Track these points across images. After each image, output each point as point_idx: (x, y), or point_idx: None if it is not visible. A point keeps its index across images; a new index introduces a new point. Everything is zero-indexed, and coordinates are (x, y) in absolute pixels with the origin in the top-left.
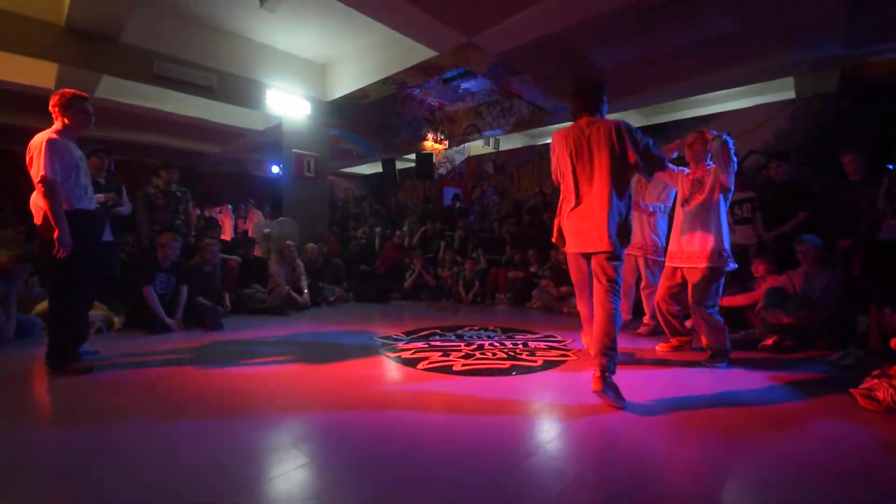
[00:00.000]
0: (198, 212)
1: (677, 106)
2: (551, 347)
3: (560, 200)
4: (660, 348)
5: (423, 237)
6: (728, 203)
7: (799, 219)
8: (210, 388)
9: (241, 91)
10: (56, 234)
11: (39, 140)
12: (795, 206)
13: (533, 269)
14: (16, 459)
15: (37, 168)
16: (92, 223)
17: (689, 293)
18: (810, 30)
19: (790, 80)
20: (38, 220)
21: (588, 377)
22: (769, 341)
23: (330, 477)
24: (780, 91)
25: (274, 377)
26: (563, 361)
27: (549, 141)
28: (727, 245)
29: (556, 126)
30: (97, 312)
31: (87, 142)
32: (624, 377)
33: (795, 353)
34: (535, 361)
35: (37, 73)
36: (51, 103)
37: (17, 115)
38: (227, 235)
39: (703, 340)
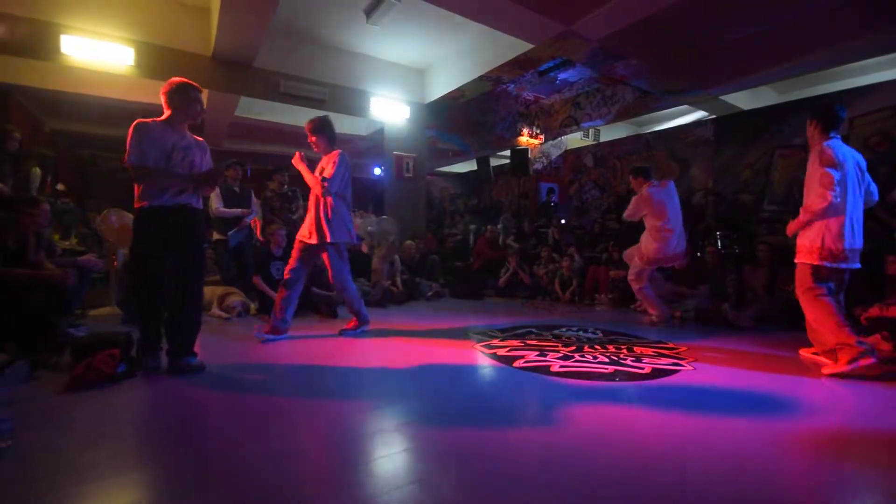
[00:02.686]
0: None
1: (824, 77)
2: (661, 355)
3: None
4: None
5: (519, 235)
6: None
7: None
8: (321, 370)
9: (348, 101)
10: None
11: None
12: None
13: None
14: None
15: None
16: (172, 220)
17: None
18: None
19: None
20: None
21: (706, 389)
22: None
23: (430, 464)
24: None
25: (377, 364)
26: (677, 371)
27: (657, 128)
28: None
29: (667, 111)
30: (237, 298)
31: (225, 155)
32: (755, 387)
33: None
34: (643, 368)
35: None
36: (160, 91)
37: None
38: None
39: None
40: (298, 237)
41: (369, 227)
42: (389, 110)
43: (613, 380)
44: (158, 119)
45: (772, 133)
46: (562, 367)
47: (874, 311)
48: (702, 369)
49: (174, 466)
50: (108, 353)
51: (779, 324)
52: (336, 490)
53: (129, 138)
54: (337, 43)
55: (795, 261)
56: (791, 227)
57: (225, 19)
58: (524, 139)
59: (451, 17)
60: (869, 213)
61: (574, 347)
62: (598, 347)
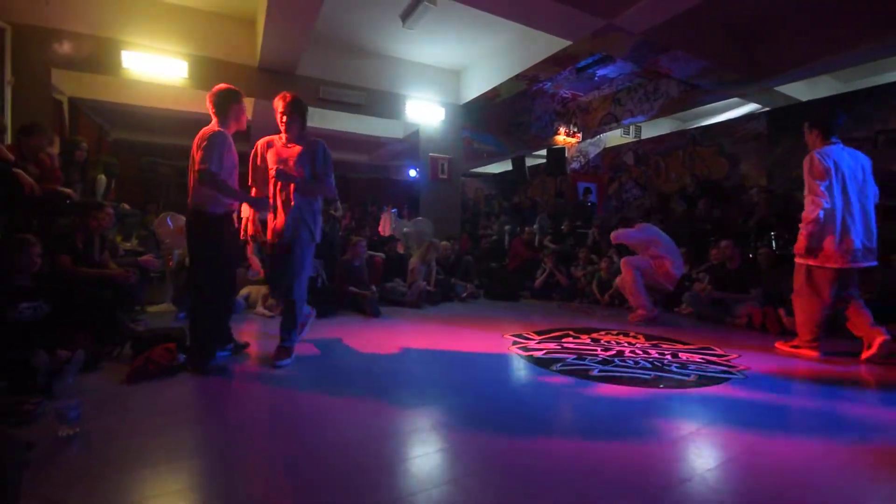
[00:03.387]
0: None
1: (889, 64)
2: (709, 362)
3: None
4: None
5: (556, 235)
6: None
7: None
8: (361, 368)
9: (385, 104)
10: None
11: (209, 131)
12: None
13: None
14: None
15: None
16: (217, 228)
17: None
18: None
19: None
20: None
21: (756, 400)
22: None
23: (465, 464)
24: None
25: (414, 364)
26: (726, 380)
27: (702, 123)
28: None
29: (714, 105)
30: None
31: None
32: (811, 399)
33: None
34: (688, 376)
35: None
36: (209, 101)
37: None
38: (386, 232)
39: None
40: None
41: (405, 229)
42: (425, 112)
43: (657, 386)
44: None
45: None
46: (601, 371)
47: None
48: (753, 379)
49: (221, 456)
50: (165, 346)
51: (837, 330)
52: (373, 486)
53: (207, 145)
54: (373, 48)
55: (797, 261)
56: (799, 244)
57: (269, 30)
58: (561, 138)
59: (485, 17)
60: None
61: (614, 352)
62: (640, 352)
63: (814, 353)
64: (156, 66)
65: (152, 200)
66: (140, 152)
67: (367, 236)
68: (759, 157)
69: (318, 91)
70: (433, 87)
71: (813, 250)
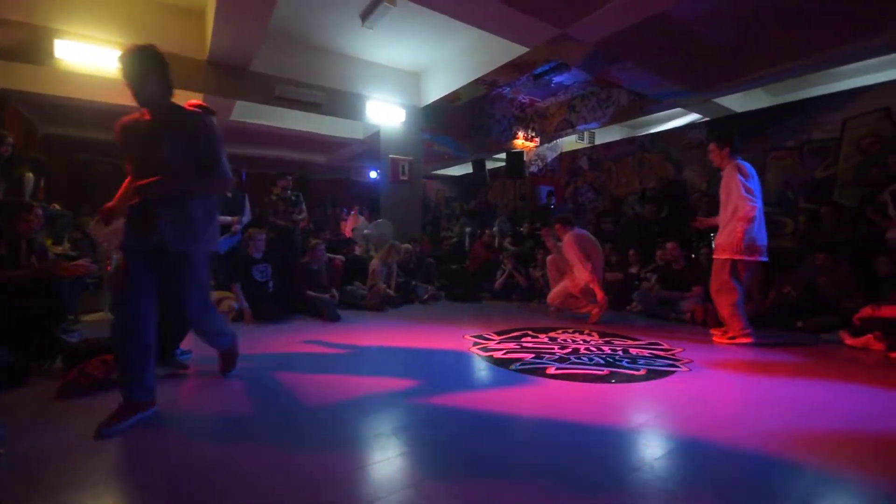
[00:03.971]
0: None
1: (815, 80)
2: (657, 356)
3: None
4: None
5: (515, 237)
6: None
7: None
8: (318, 374)
9: (344, 104)
10: None
11: None
12: None
13: (633, 270)
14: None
15: None
16: None
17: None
18: None
19: None
20: None
21: (701, 391)
22: None
23: (429, 468)
24: None
25: (374, 368)
26: (672, 372)
27: (651, 130)
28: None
29: (661, 114)
30: (233, 302)
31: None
32: (749, 389)
33: None
34: (638, 371)
35: (186, 102)
36: None
37: None
38: (348, 234)
39: None
40: None
41: (365, 231)
42: (385, 113)
43: (610, 381)
44: None
45: (765, 135)
46: (558, 369)
47: (866, 311)
48: (697, 371)
49: (164, 473)
50: (101, 358)
51: (772, 323)
52: (332, 494)
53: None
54: (332, 46)
55: (715, 257)
56: (734, 242)
57: (220, 23)
58: (519, 142)
59: (446, 21)
60: (858, 213)
61: (570, 349)
62: (594, 349)
63: (748, 340)
64: (92, 57)
65: (86, 200)
66: (74, 148)
67: (327, 238)
68: (700, 165)
69: (273, 89)
70: (393, 88)
71: (746, 246)
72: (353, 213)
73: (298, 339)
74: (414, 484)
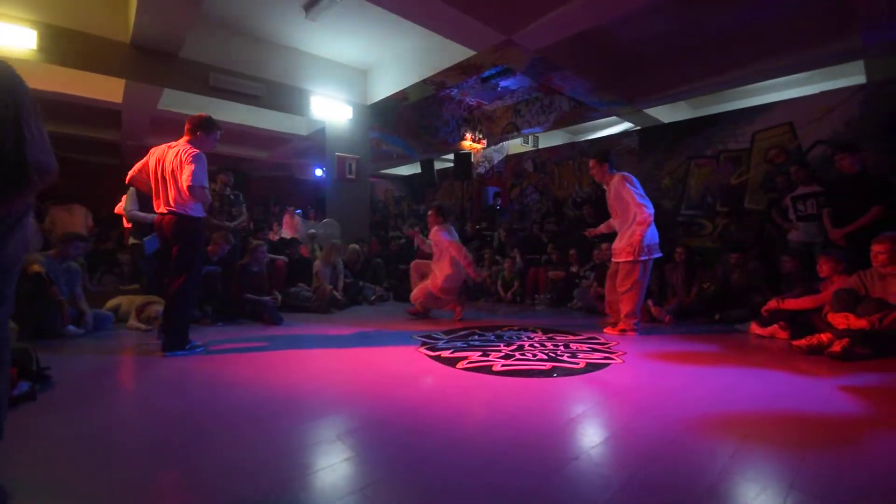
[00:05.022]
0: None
1: (731, 96)
2: (594, 350)
3: None
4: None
5: (462, 237)
6: None
7: (871, 214)
8: (259, 381)
9: (287, 98)
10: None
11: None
12: (868, 200)
13: (574, 269)
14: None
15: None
16: (200, 230)
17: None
18: (881, 10)
19: (859, 65)
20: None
21: (634, 380)
22: (836, 347)
23: (374, 471)
24: (849, 76)
25: (317, 373)
26: (608, 364)
27: (590, 137)
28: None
29: (598, 121)
30: (160, 307)
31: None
32: (676, 377)
33: (868, 361)
34: (578, 364)
35: (106, 88)
36: (190, 125)
37: (88, 128)
38: (291, 234)
39: None
40: None
41: (311, 230)
42: (331, 110)
43: (552, 375)
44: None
45: (687, 144)
46: (503, 366)
47: (771, 304)
48: (630, 362)
49: (87, 488)
50: None
51: (694, 316)
52: None
53: (200, 164)
54: (274, 37)
55: (618, 260)
56: (634, 246)
57: (146, 3)
58: (467, 143)
59: (394, 19)
60: (765, 217)
61: (515, 346)
62: (538, 345)
63: (634, 333)
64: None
65: None
66: None
67: (268, 239)
68: (633, 169)
69: (207, 78)
70: (340, 84)
71: (646, 247)
72: (287, 213)
73: (235, 343)
74: (358, 489)
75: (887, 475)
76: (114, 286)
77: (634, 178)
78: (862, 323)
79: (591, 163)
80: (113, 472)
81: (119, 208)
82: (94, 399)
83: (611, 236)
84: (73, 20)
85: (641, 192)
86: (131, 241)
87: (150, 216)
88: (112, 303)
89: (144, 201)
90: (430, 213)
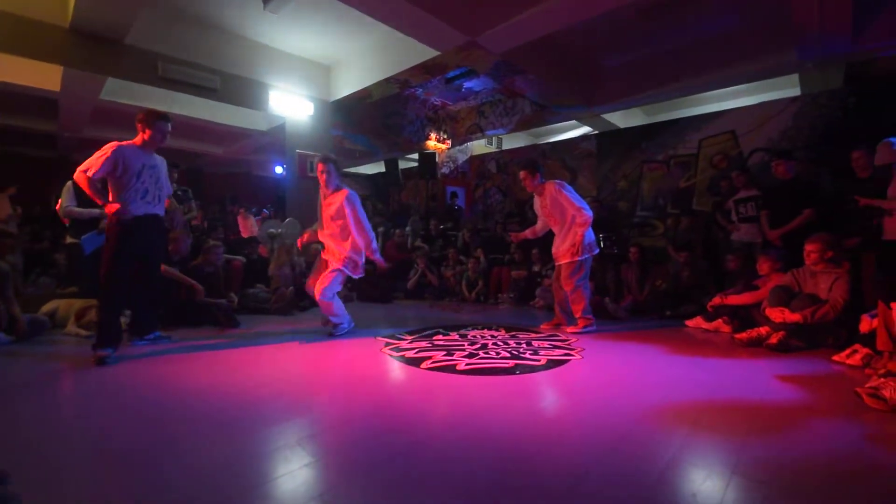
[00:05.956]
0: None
1: (681, 104)
2: (555, 347)
3: None
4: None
5: (426, 237)
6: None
7: (804, 217)
8: (216, 386)
9: (244, 92)
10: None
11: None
12: (800, 204)
13: (536, 268)
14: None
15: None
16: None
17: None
18: (815, 27)
19: (795, 77)
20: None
21: (593, 375)
22: (773, 339)
23: (334, 476)
24: (786, 88)
25: (278, 376)
26: (567, 360)
27: (552, 139)
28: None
29: (559, 125)
30: None
31: (88, 144)
32: (631, 370)
33: (802, 352)
34: (539, 360)
35: (42, 75)
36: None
37: (21, 117)
38: (245, 234)
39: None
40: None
41: (270, 230)
42: (291, 105)
43: (514, 373)
44: (133, 142)
45: (641, 149)
46: (467, 364)
47: (716, 300)
48: (588, 357)
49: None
50: None
51: (647, 312)
52: None
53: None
54: (231, 27)
55: (561, 262)
56: (577, 245)
57: None
58: (432, 143)
59: (357, 15)
60: (711, 219)
61: (479, 345)
62: (501, 344)
63: (593, 328)
64: None
65: None
66: None
67: (223, 238)
68: (591, 172)
69: (156, 68)
70: (300, 79)
71: (587, 246)
72: (240, 214)
73: (187, 347)
74: (318, 496)
75: (822, 457)
76: (50, 289)
77: (568, 185)
78: (796, 317)
79: (522, 174)
80: (64, 485)
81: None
82: (32, 409)
83: (539, 242)
84: (7, 1)
85: (577, 196)
86: (69, 239)
87: (89, 212)
88: (48, 307)
89: (83, 197)
90: (522, 172)
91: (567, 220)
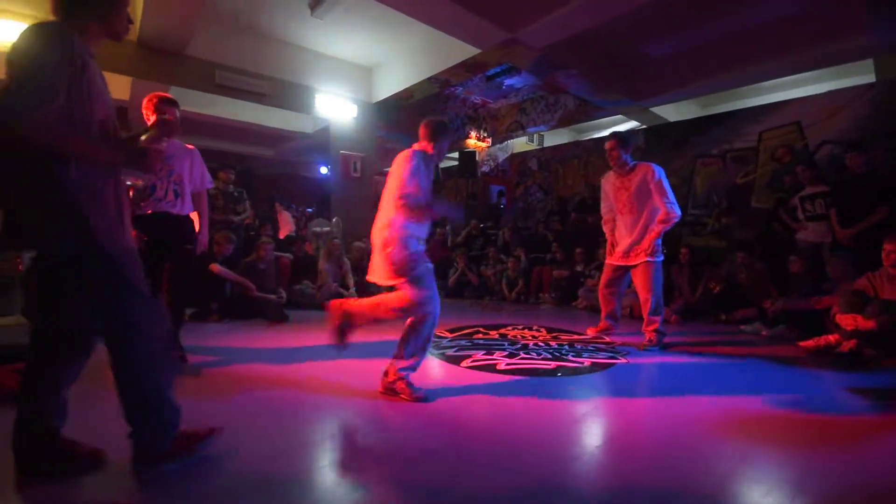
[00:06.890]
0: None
1: (737, 94)
2: (599, 350)
3: None
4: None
5: (467, 236)
6: None
7: (879, 214)
8: (262, 377)
9: (291, 96)
10: None
11: None
12: (875, 200)
13: (579, 268)
14: None
15: None
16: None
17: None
18: (890, 8)
19: (869, 63)
20: None
21: (639, 380)
22: (845, 348)
23: (375, 469)
24: (859, 74)
25: (322, 369)
26: (612, 365)
27: (595, 136)
28: None
29: (603, 120)
30: None
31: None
32: (681, 376)
33: (876, 361)
34: (582, 363)
35: (113, 86)
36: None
37: None
38: (283, 234)
39: None
40: None
41: (316, 228)
42: (336, 108)
43: (556, 375)
44: None
45: (693, 143)
46: (508, 364)
47: (779, 305)
48: (634, 362)
49: (63, 491)
50: (13, 367)
51: (699, 316)
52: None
53: None
54: (280, 35)
55: (635, 262)
56: (653, 244)
57: (152, 1)
58: (472, 142)
59: (399, 17)
60: (774, 216)
61: (519, 345)
62: (542, 344)
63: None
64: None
65: None
66: None
67: (272, 235)
68: None
69: (213, 76)
70: (344, 82)
71: (660, 246)
72: (278, 211)
73: (241, 341)
74: (363, 485)
75: (894, 477)
76: None
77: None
78: (870, 324)
79: (610, 144)
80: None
81: None
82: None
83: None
84: None
85: (671, 189)
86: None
87: None
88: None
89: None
90: (610, 142)
91: (645, 212)
